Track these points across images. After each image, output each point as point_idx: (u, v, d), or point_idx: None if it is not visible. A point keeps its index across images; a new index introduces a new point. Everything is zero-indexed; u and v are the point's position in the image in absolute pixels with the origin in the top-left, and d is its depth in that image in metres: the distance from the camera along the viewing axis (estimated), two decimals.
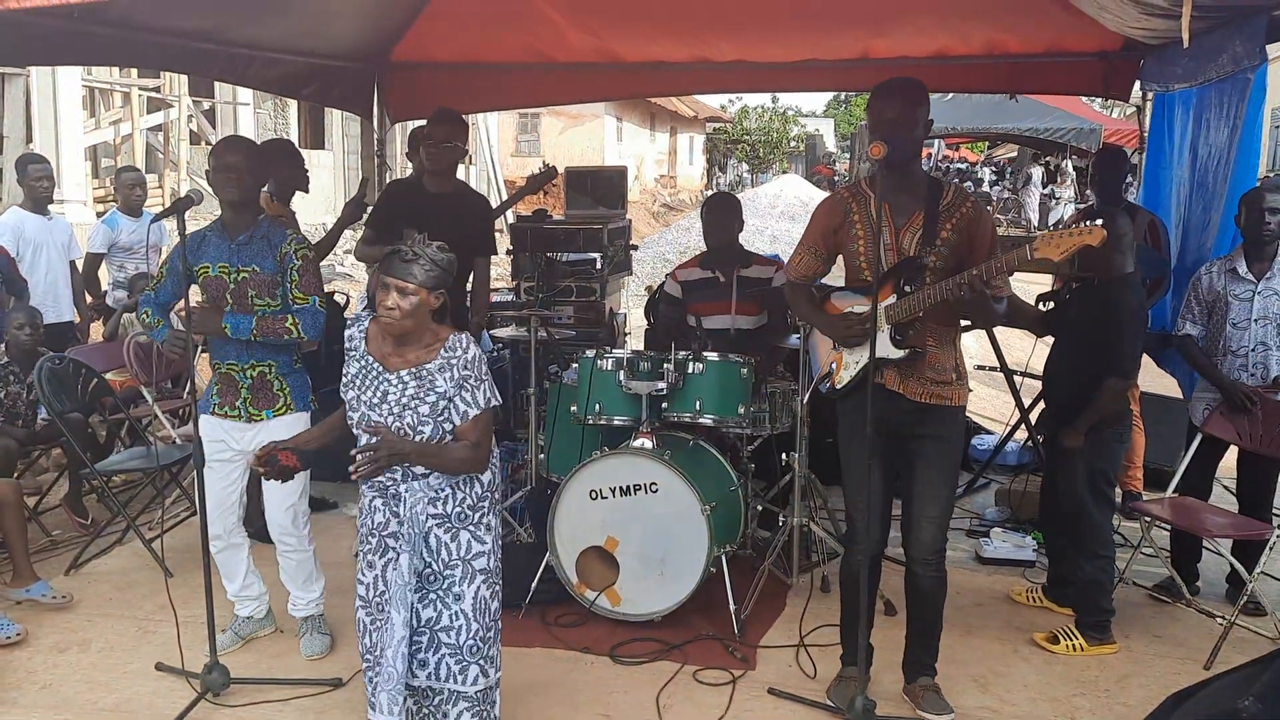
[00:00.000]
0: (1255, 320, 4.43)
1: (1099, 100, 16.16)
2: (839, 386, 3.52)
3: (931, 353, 3.38)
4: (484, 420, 2.97)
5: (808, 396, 4.39)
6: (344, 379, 3.04)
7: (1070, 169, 22.99)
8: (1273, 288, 4.42)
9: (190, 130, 15.99)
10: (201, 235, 3.86)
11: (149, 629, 4.22)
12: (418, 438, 2.91)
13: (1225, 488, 5.01)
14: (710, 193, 26.82)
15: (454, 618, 3.00)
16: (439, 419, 2.92)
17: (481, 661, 3.03)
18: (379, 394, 2.95)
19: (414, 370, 2.93)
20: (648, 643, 4.07)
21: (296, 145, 5.05)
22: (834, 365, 3.55)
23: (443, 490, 2.99)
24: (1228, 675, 3.22)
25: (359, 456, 2.79)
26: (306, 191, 5.30)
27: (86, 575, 4.78)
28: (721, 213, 5.08)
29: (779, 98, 41.94)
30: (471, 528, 3.01)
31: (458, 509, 3.00)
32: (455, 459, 2.94)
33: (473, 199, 5.11)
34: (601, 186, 7.40)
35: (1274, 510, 4.54)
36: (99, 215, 8.75)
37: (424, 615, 3.02)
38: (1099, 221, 2.98)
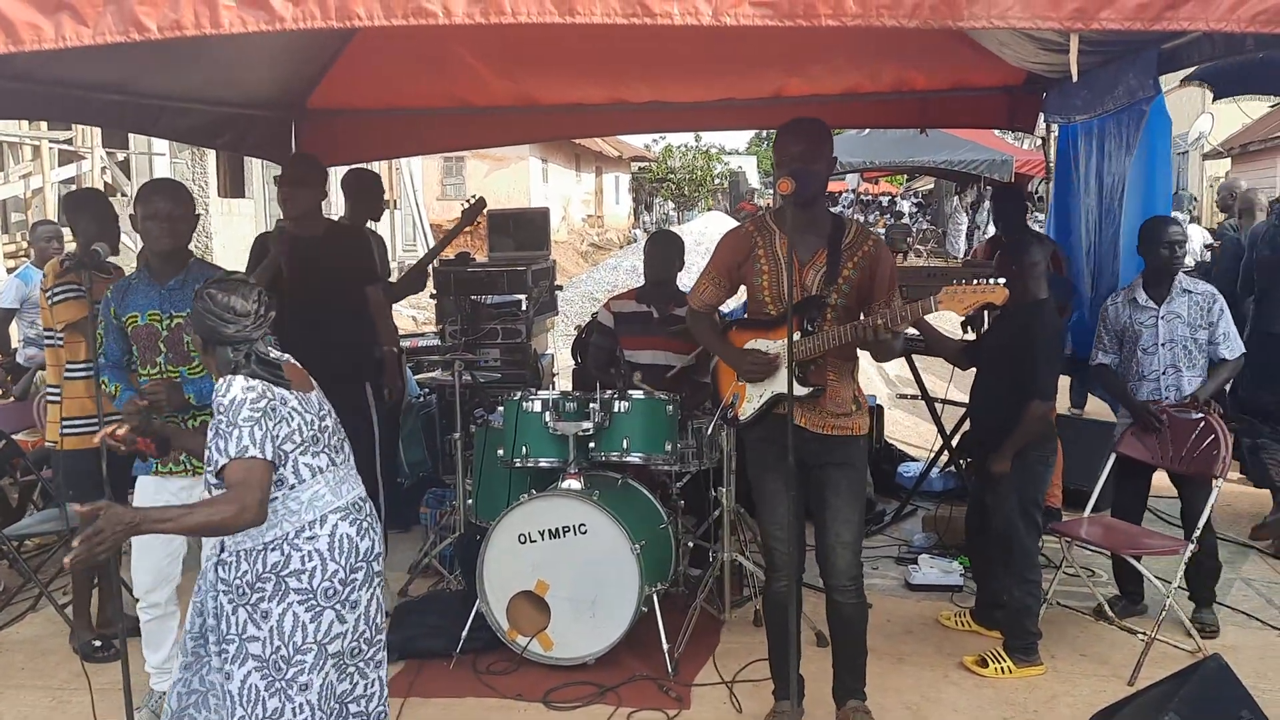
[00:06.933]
0: (1162, 345, 4.53)
1: (1010, 133, 16.66)
2: (742, 418, 3.57)
3: (832, 386, 3.45)
4: (238, 471, 2.54)
5: (720, 429, 4.39)
6: None
7: (987, 201, 23.57)
8: (1174, 311, 4.53)
9: (105, 182, 15.66)
10: (126, 284, 3.71)
11: (63, 699, 4.07)
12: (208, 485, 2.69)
13: (1153, 513, 5.10)
14: (652, 229, 26.93)
15: (222, 693, 2.71)
16: (207, 467, 2.66)
17: None
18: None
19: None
20: (581, 686, 4.03)
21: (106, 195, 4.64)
22: (736, 396, 3.59)
23: (230, 553, 2.69)
24: (1149, 691, 3.30)
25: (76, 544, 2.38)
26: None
27: None
28: (665, 247, 5.21)
29: (702, 136, 42.43)
30: (249, 608, 2.65)
31: (238, 580, 2.66)
32: (197, 520, 2.53)
33: (346, 233, 5.09)
34: (524, 228, 7.40)
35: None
36: (9, 271, 8.53)
37: (207, 679, 2.77)
38: (1002, 280, 3.09)
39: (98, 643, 4.40)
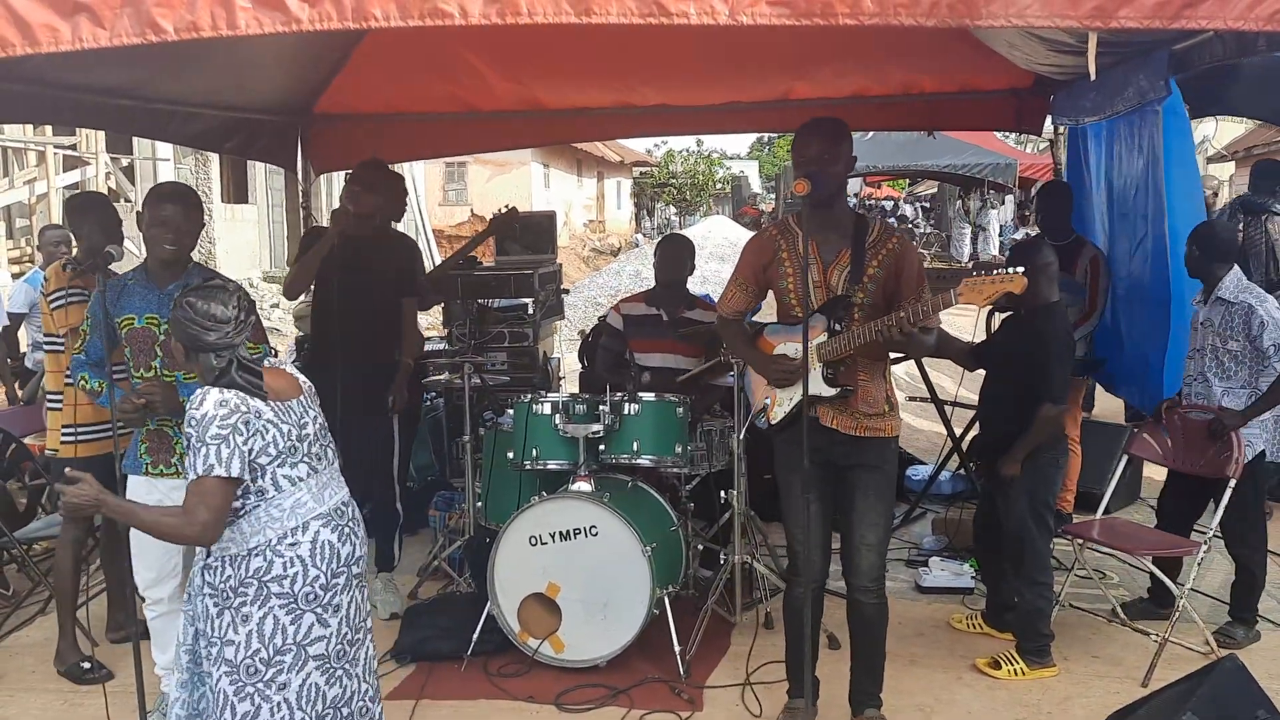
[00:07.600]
0: (1196, 350, 4.44)
1: (1013, 136, 16.70)
2: (774, 422, 3.55)
3: (863, 387, 3.42)
4: (199, 489, 2.57)
5: (745, 433, 4.41)
6: None
7: (990, 206, 23.57)
8: (1209, 319, 4.37)
9: (109, 188, 15.70)
10: (121, 284, 3.63)
11: (75, 702, 4.06)
12: None
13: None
14: (653, 234, 26.91)
15: (204, 699, 2.77)
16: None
17: None
18: None
19: None
20: (593, 689, 4.02)
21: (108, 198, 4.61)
22: (768, 401, 3.58)
23: (216, 558, 2.72)
24: (1165, 691, 3.30)
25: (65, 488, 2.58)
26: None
27: (7, 648, 4.60)
28: (676, 250, 5.22)
29: (704, 141, 42.58)
30: (231, 611, 2.67)
31: (223, 584, 2.69)
32: (147, 520, 2.66)
33: (395, 240, 5.11)
34: (531, 232, 7.40)
35: (1199, 527, 4.63)
36: (14, 277, 8.53)
37: (201, 706, 2.80)
38: (1021, 269, 3.07)
39: (86, 665, 4.23)
